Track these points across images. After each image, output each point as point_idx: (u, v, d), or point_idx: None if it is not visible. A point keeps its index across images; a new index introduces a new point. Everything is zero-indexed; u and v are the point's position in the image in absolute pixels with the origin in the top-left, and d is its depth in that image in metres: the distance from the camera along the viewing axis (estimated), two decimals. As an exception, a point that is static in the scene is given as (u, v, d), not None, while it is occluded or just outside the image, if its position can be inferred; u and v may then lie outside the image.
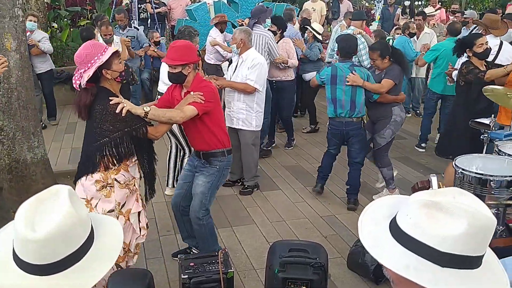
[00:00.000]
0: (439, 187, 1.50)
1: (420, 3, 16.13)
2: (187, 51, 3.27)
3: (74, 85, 2.84)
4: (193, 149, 3.69)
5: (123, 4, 10.88)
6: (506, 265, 1.53)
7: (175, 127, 4.56)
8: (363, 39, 6.41)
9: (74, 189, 2.49)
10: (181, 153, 4.85)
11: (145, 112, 2.93)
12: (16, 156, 4.58)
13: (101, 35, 6.55)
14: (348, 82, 4.39)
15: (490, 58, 5.18)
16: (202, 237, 3.62)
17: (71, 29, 10.62)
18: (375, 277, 3.51)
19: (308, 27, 6.99)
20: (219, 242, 4.07)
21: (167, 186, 5.01)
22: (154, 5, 10.12)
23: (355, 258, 3.64)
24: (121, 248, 1.32)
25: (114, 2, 10.03)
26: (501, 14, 10.39)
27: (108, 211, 2.89)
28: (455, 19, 8.02)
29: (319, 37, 6.90)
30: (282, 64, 6.03)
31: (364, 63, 6.05)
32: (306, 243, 3.37)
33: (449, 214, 1.05)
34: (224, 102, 5.16)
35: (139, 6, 10.20)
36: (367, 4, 17.01)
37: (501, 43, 5.29)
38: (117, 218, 2.89)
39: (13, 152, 4.57)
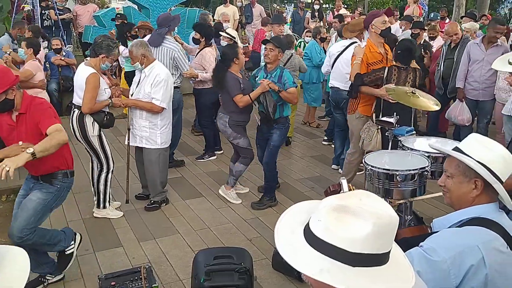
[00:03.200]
0: (349, 189, 1.58)
1: (327, 6, 16.91)
2: (2, 76, 2.97)
3: None
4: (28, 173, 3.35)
5: (24, 11, 10.18)
6: (412, 256, 1.65)
7: (96, 142, 4.34)
8: None
9: None
10: (98, 169, 4.53)
11: (31, 154, 2.74)
12: None
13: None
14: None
15: (333, 59, 5.72)
16: (39, 246, 3.27)
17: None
18: (300, 275, 3.60)
19: (222, 33, 6.96)
20: (142, 255, 3.98)
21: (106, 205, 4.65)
22: (58, 12, 9.61)
23: (280, 258, 3.66)
24: (27, 277, 1.24)
25: (15, 10, 9.38)
26: (398, 16, 11.20)
27: None
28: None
29: (237, 41, 6.83)
30: (192, 78, 5.92)
31: None
32: (230, 249, 3.40)
33: (356, 216, 1.11)
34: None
35: (42, 13, 9.62)
36: (278, 7, 17.47)
37: (351, 44, 5.57)
38: None
39: None
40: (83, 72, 4.25)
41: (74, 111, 4.35)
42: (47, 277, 3.49)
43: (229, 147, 5.44)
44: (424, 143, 3.25)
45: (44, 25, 9.55)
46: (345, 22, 7.26)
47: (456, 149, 1.81)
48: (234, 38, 6.64)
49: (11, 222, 3.26)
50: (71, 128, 4.27)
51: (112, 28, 8.78)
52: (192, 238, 4.29)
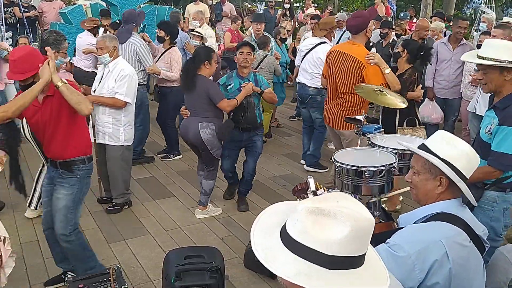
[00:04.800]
0: (316, 187, 1.59)
1: (298, 4, 17.01)
2: (32, 58, 3.02)
3: None
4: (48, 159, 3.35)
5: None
6: (380, 252, 1.67)
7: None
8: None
9: None
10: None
11: (60, 81, 2.93)
12: None
13: None
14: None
15: (301, 55, 5.75)
16: (75, 255, 3.38)
17: None
18: (271, 272, 3.62)
19: (193, 32, 6.88)
20: (111, 257, 3.91)
21: (28, 207, 4.48)
22: (23, 9, 9.32)
23: (251, 256, 3.70)
24: None
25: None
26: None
27: None
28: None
29: (204, 40, 6.78)
30: (155, 74, 5.87)
31: None
32: (201, 248, 3.38)
33: (334, 219, 1.11)
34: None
35: (5, 10, 9.30)
36: (249, 6, 17.47)
37: (319, 44, 5.65)
38: None
39: None
40: None
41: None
42: (68, 274, 3.47)
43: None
44: (392, 140, 3.30)
45: (8, 22, 9.25)
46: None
47: (423, 146, 1.85)
48: (203, 36, 6.59)
49: (53, 219, 3.31)
50: (21, 127, 4.04)
51: (79, 25, 8.58)
52: (163, 238, 4.25)
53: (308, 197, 1.61)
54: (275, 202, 4.62)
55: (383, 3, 11.81)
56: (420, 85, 4.46)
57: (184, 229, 4.41)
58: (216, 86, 4.40)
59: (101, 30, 6.75)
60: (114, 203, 4.75)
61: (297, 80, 5.98)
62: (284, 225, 1.19)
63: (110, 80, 4.45)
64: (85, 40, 6.82)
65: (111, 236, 4.24)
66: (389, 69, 4.25)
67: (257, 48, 6.46)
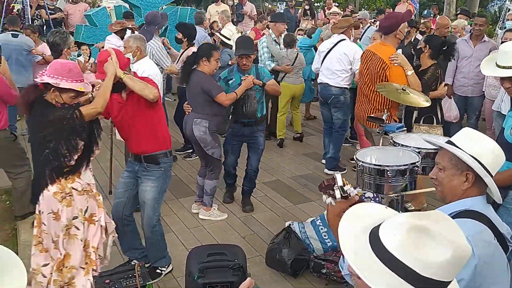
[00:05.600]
0: (343, 183, 1.59)
1: (319, 4, 16.96)
2: (118, 59, 3.22)
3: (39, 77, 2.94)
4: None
5: (14, 11, 10.11)
6: None
7: None
8: (264, 39, 6.62)
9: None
10: None
11: (123, 73, 3.11)
12: None
13: None
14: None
15: (322, 56, 5.66)
16: (155, 245, 3.60)
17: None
18: (293, 271, 3.65)
19: (216, 33, 6.94)
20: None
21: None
22: (49, 11, 9.55)
23: (273, 255, 3.74)
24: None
25: (4, 10, 9.29)
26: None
27: (73, 218, 2.97)
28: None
29: (229, 42, 6.74)
30: (174, 74, 5.98)
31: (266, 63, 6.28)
32: (223, 246, 3.42)
33: (435, 240, 1.10)
34: None
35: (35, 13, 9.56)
36: (270, 6, 17.49)
37: (340, 41, 5.62)
38: (83, 224, 2.99)
39: None
40: None
41: None
42: (132, 262, 3.65)
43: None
44: (415, 139, 3.28)
45: (35, 24, 9.48)
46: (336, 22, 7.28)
47: (449, 142, 1.85)
48: (229, 39, 6.64)
49: (140, 214, 3.54)
50: None
51: (103, 27, 8.75)
52: (186, 236, 4.31)
53: (334, 193, 1.61)
54: (296, 201, 4.66)
55: (406, 1, 11.68)
56: (444, 83, 4.41)
57: (207, 227, 4.46)
58: (211, 81, 4.32)
59: (129, 32, 6.88)
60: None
61: (319, 81, 5.91)
62: (377, 233, 1.17)
63: None
64: (112, 42, 6.97)
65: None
66: (412, 70, 4.21)
67: (282, 46, 6.54)
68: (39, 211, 3.01)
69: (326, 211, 3.57)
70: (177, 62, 6.03)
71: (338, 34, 5.71)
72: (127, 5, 9.52)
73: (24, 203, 4.53)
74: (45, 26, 9.64)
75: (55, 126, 2.87)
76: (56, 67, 2.92)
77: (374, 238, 1.16)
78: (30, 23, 9.23)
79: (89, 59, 7.18)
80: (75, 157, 2.99)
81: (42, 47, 6.76)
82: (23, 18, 9.47)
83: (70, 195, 2.96)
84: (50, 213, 2.95)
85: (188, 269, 3.13)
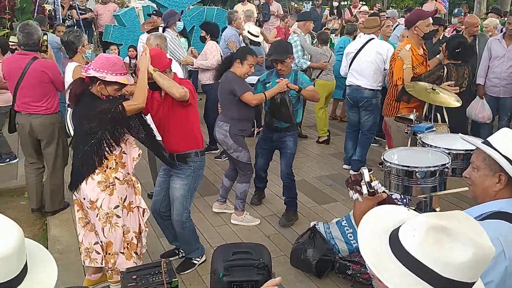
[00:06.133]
0: (370, 179, 1.57)
1: (346, 3, 16.79)
2: (158, 59, 3.31)
3: (85, 71, 3.12)
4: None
5: (46, 12, 10.37)
6: None
7: None
8: (296, 38, 6.57)
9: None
10: None
11: (153, 70, 3.18)
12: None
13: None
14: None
15: (350, 57, 5.60)
16: (186, 239, 3.73)
17: (-11, 39, 9.99)
18: (318, 271, 3.63)
19: (243, 31, 6.95)
20: (161, 250, 4.05)
21: None
22: (79, 11, 9.76)
23: (298, 254, 3.73)
24: (54, 283, 1.24)
25: (36, 11, 9.55)
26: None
27: (114, 207, 3.17)
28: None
29: (257, 39, 6.76)
30: (189, 65, 6.10)
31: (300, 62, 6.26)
32: (249, 244, 3.42)
33: (456, 240, 1.07)
34: None
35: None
36: (296, 6, 17.42)
37: (369, 41, 5.54)
38: (122, 211, 3.21)
39: None
40: (68, 68, 4.35)
41: (67, 110, 4.38)
42: (181, 250, 3.95)
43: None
44: (444, 140, 3.21)
45: (66, 24, 9.71)
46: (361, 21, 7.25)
47: (486, 142, 1.82)
48: (257, 36, 6.65)
49: (171, 210, 3.66)
50: (66, 126, 4.16)
51: (131, 27, 8.89)
52: (211, 234, 4.34)
53: (361, 188, 1.59)
54: (321, 201, 4.63)
55: (435, 0, 11.44)
56: (450, 82, 4.32)
57: (231, 226, 4.48)
58: (239, 80, 4.26)
59: (160, 30, 6.99)
60: None
61: (348, 83, 5.69)
62: (397, 234, 1.15)
63: None
64: (144, 41, 7.08)
65: (160, 230, 4.36)
66: (409, 66, 4.33)
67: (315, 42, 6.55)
68: (82, 198, 3.19)
69: (352, 212, 3.54)
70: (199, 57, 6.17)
71: (367, 34, 5.62)
72: (155, 5, 9.63)
73: (55, 199, 4.66)
74: (75, 26, 9.85)
75: (100, 118, 3.03)
76: (102, 61, 3.08)
77: (394, 239, 1.14)
78: (61, 23, 9.47)
79: None
80: (119, 148, 3.17)
81: None
82: (54, 19, 9.72)
83: (113, 184, 3.15)
84: (88, 201, 3.14)
85: (214, 267, 3.14)
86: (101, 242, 3.27)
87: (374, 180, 1.59)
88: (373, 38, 5.54)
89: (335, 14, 11.32)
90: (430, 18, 4.50)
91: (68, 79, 4.28)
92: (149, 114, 3.50)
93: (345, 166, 5.93)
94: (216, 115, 6.29)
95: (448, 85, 4.22)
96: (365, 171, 1.57)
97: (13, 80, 4.38)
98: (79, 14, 9.87)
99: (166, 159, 3.48)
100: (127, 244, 3.30)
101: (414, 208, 3.74)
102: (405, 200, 3.54)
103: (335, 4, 11.22)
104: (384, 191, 1.61)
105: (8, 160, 6.04)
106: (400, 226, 1.17)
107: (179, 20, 6.17)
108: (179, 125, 3.44)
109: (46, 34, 4.64)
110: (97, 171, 3.11)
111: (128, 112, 3.09)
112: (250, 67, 4.29)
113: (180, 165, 3.52)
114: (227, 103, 4.33)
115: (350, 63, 5.64)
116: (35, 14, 9.47)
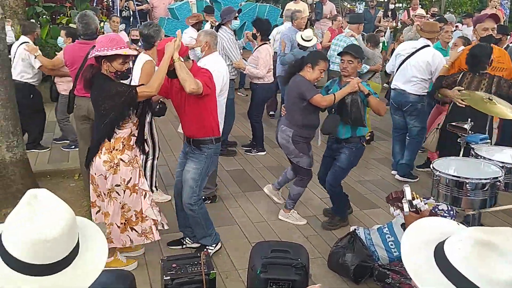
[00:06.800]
0: (412, 197, 1.54)
1: (401, 5, 16.38)
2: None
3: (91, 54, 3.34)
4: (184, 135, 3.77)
5: (104, 2, 10.75)
6: None
7: (146, 129, 4.13)
8: (355, 42, 6.48)
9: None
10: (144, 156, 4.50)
11: (178, 59, 3.28)
12: (-6, 155, 4.52)
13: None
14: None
15: (399, 59, 5.44)
16: (197, 222, 3.78)
17: (50, 26, 10.44)
18: (355, 277, 3.57)
19: (298, 38, 6.87)
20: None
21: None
22: (136, 3, 10.03)
23: (336, 258, 3.69)
24: (105, 259, 1.31)
25: (95, 2, 9.90)
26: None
27: (116, 185, 3.37)
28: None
29: (307, 44, 6.63)
30: (241, 69, 6.08)
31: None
32: (287, 243, 3.41)
33: (502, 256, 1.05)
34: None
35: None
36: (349, 6, 17.17)
37: (423, 47, 5.34)
38: (124, 191, 3.39)
39: (-9, 152, 4.50)
40: (139, 59, 4.39)
41: None
42: (186, 240, 4.01)
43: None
44: (499, 153, 3.08)
45: (123, 15, 10.02)
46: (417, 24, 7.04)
47: None
48: (308, 40, 6.59)
49: (182, 192, 3.74)
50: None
51: (185, 20, 9.04)
52: (249, 229, 4.37)
53: (402, 206, 1.57)
54: (362, 206, 4.57)
55: (495, 8, 10.95)
56: (459, 88, 4.21)
57: (270, 223, 4.49)
58: (308, 84, 4.13)
59: (207, 25, 7.07)
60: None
61: (393, 86, 5.56)
62: (442, 246, 1.13)
63: None
64: (188, 35, 7.20)
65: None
66: (446, 66, 4.49)
67: (364, 46, 6.43)
68: (94, 173, 3.39)
69: (394, 220, 3.46)
70: (253, 52, 6.18)
71: (424, 38, 5.43)
72: (208, 0, 9.78)
73: None
74: (131, 18, 10.14)
75: (114, 100, 3.17)
76: (101, 41, 3.26)
77: (439, 252, 1.12)
78: (117, 14, 9.77)
79: None
80: (127, 130, 3.32)
81: (121, 34, 7.18)
82: (112, 9, 10.05)
83: (117, 165, 3.31)
84: (100, 175, 3.34)
85: (252, 262, 3.16)
86: (102, 213, 3.51)
87: (417, 198, 1.55)
88: (428, 46, 5.36)
89: (389, 16, 11.06)
90: (487, 22, 4.36)
91: (136, 70, 4.33)
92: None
93: (393, 172, 5.81)
94: (259, 114, 6.41)
95: (458, 91, 4.26)
96: (407, 189, 1.55)
97: (75, 67, 4.68)
98: (135, 5, 10.14)
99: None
100: (125, 220, 3.48)
101: (461, 221, 3.62)
102: (452, 212, 3.42)
103: (391, 6, 10.94)
104: (426, 209, 1.57)
105: (73, 147, 6.29)
106: (446, 238, 1.15)
107: (235, 18, 6.13)
108: (196, 113, 3.53)
109: (103, 21, 4.88)
110: (104, 150, 3.28)
111: (139, 98, 3.23)
112: (321, 72, 4.17)
113: (195, 149, 3.62)
114: (292, 108, 4.22)
115: (398, 66, 5.51)
116: (94, 5, 9.83)
